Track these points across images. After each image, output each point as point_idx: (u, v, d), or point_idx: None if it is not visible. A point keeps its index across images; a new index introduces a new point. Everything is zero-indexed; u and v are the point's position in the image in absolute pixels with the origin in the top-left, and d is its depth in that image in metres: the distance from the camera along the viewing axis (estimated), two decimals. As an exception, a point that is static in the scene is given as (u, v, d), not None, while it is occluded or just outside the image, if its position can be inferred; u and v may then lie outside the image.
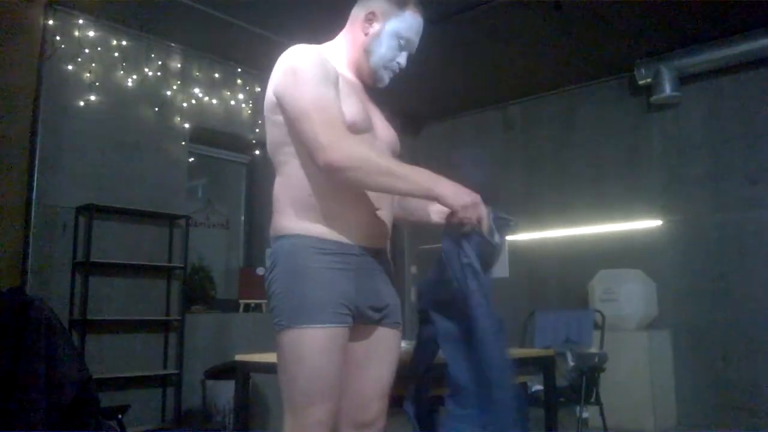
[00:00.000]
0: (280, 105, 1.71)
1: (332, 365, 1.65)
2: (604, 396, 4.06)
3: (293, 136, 1.70)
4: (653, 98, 5.45)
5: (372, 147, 1.74)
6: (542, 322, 4.41)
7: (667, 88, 5.35)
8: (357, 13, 1.89)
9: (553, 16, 4.52)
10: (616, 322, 5.00)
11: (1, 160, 4.19)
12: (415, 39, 1.91)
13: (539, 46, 5.23)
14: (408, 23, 1.88)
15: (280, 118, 1.73)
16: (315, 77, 1.68)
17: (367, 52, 1.86)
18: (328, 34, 1.97)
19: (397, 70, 1.92)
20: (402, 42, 1.88)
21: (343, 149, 1.59)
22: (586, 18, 4.74)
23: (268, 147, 1.82)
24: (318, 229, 1.70)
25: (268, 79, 1.78)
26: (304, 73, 1.69)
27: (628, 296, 5.19)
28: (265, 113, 1.80)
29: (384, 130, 1.91)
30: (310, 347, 1.63)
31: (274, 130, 1.78)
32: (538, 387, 3.74)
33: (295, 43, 1.81)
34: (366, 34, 1.86)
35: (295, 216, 1.72)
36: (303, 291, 1.65)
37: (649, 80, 5.46)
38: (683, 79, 5.38)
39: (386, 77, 1.91)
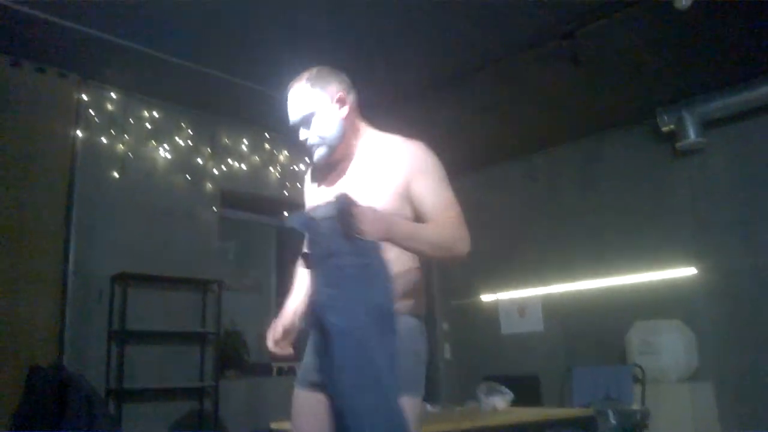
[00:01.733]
0: None
1: (306, 425, 1.95)
2: (649, 453, 3.95)
3: None
4: (678, 145, 5.43)
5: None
6: (580, 379, 4.33)
7: (691, 134, 5.32)
8: None
9: (572, 69, 4.57)
10: (656, 375, 4.88)
11: (38, 231, 4.26)
12: (291, 114, 1.96)
13: (560, 97, 5.28)
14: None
15: None
16: None
17: None
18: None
19: (310, 147, 1.96)
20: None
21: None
22: (605, 68, 4.79)
23: None
24: None
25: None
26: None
27: (667, 348, 5.06)
28: None
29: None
30: (293, 405, 2.03)
31: None
32: (581, 447, 3.65)
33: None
34: None
35: None
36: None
37: (672, 127, 5.45)
38: (707, 124, 5.36)
39: (312, 157, 1.98)
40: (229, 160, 5.35)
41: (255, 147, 5.53)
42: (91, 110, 4.66)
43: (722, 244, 5.31)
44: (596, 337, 5.80)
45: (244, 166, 5.43)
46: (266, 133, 5.57)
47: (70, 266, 4.37)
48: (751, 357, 5.03)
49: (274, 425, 2.90)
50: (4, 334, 3.89)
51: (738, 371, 5.08)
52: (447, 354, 6.92)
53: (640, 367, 4.32)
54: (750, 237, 5.19)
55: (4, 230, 4.06)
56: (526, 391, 4.96)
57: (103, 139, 4.69)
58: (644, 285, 5.59)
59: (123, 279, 4.52)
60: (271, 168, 5.59)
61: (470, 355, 6.76)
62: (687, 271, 5.41)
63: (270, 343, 2.03)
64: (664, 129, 5.52)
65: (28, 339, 4.00)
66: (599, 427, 3.41)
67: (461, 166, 6.93)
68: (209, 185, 5.19)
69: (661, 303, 5.39)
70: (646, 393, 4.15)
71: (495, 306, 6.62)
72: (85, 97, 4.63)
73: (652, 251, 5.62)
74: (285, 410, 5.00)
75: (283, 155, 5.64)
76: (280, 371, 5.34)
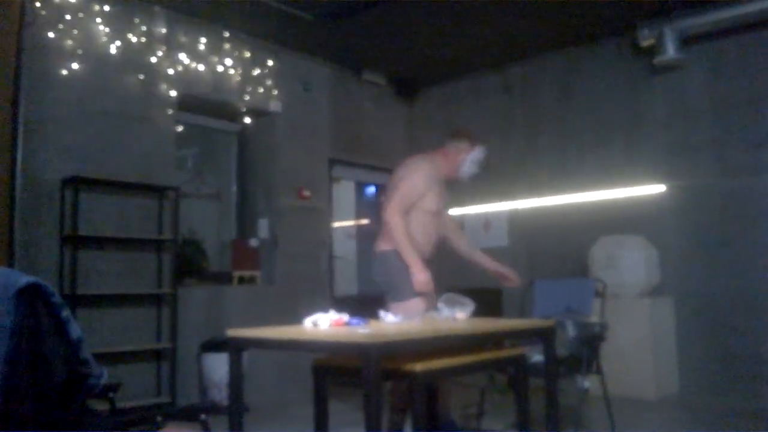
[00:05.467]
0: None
1: None
2: (606, 365, 4.00)
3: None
4: (656, 60, 5.29)
5: (422, 224, 3.70)
6: (541, 292, 4.31)
7: (670, 50, 5.18)
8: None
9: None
10: (618, 290, 4.93)
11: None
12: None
13: (539, 5, 5.05)
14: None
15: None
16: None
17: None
18: None
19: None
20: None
21: (393, 217, 3.46)
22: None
23: None
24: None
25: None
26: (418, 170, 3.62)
27: (629, 263, 5.09)
28: None
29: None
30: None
31: None
32: (539, 357, 3.66)
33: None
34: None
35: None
36: None
37: (651, 42, 5.29)
38: (686, 41, 5.22)
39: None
40: (186, 61, 5.05)
41: (213, 47, 5.22)
42: (37, 3, 4.31)
43: (694, 163, 5.27)
44: (561, 252, 5.82)
45: (201, 68, 5.14)
46: (226, 32, 5.25)
47: (18, 168, 4.15)
48: (712, 276, 5.09)
49: (231, 332, 2.81)
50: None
51: (698, 289, 5.15)
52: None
53: (602, 281, 4.32)
54: (722, 157, 5.16)
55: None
56: (487, 303, 4.97)
57: (51, 34, 4.37)
58: (611, 202, 5.58)
59: (74, 183, 4.32)
60: (231, 71, 5.31)
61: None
62: (656, 189, 5.39)
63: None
64: (644, 44, 5.36)
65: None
66: (558, 339, 3.40)
67: (434, 77, 6.73)
68: (164, 86, 4.91)
69: (628, 220, 5.39)
70: (608, 307, 4.15)
71: (460, 221, 6.57)
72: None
73: (624, 168, 5.58)
74: (246, 316, 4.96)
75: (244, 57, 5.35)
76: (241, 279, 5.26)
